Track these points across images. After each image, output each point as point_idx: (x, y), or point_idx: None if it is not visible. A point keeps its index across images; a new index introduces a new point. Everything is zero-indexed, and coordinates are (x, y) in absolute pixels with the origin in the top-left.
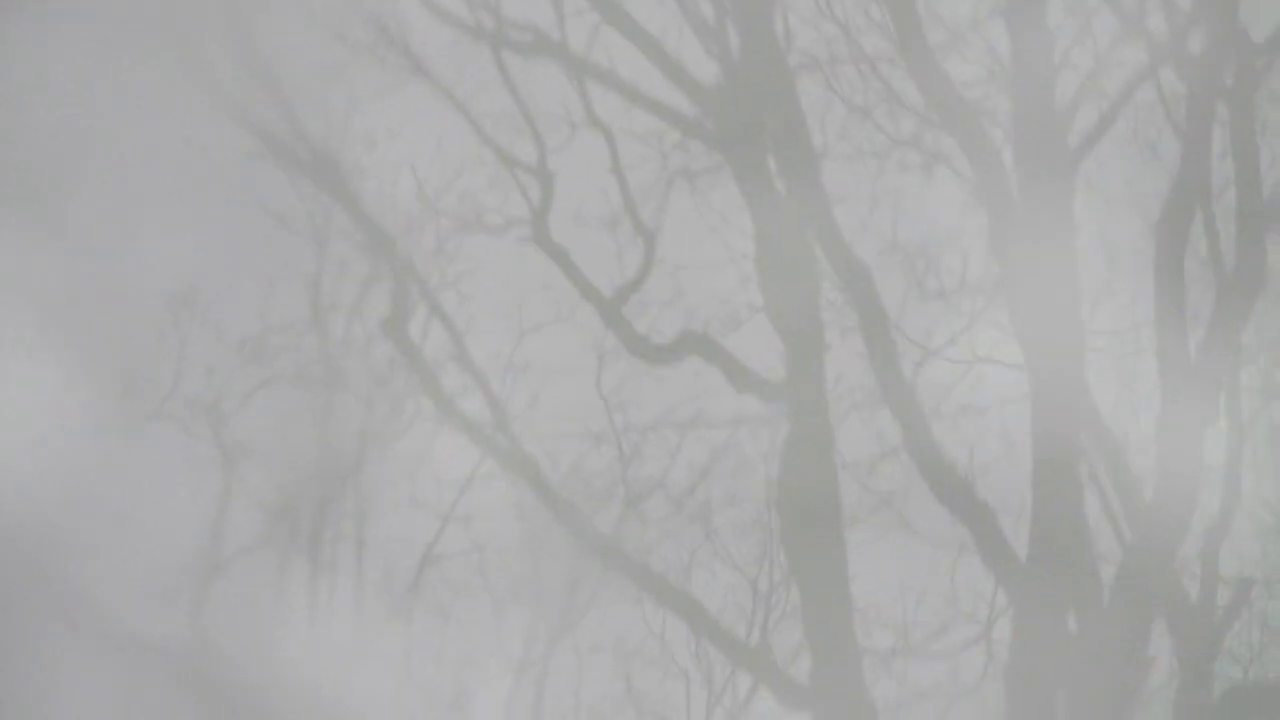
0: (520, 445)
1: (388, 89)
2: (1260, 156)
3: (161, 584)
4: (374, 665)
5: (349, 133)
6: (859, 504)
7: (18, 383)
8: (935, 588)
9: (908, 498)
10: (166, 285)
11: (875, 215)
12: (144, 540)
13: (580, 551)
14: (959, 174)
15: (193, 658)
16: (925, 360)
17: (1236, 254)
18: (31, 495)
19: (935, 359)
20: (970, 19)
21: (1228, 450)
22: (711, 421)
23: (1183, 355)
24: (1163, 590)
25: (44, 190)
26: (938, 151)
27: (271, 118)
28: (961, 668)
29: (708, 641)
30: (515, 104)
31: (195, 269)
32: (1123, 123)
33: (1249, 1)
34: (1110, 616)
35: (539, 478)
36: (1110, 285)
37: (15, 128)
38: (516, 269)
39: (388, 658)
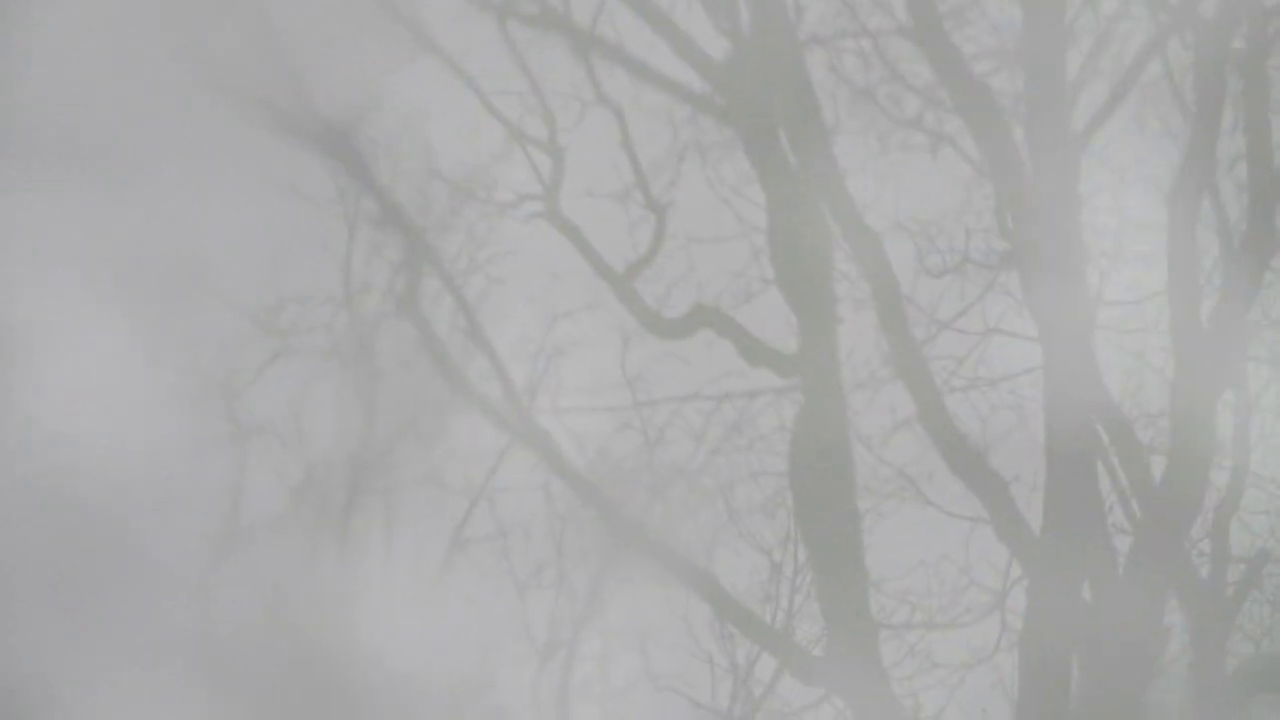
0: (539, 428)
1: (397, 66)
2: (1271, 123)
3: (183, 564)
4: (402, 647)
5: (365, 111)
6: (873, 476)
7: (44, 364)
8: (950, 559)
9: (922, 471)
10: (192, 263)
11: (883, 192)
12: (171, 517)
13: (606, 534)
14: (965, 155)
15: (213, 638)
16: (938, 332)
17: (1247, 224)
18: (58, 475)
19: (948, 331)
20: None
21: (1236, 424)
22: (735, 399)
23: (1195, 327)
24: (1178, 564)
25: (73, 170)
26: (942, 133)
27: (288, 97)
28: (976, 638)
29: (730, 623)
30: (525, 79)
31: (223, 248)
32: (1133, 100)
33: None
34: (1125, 586)
35: (560, 460)
36: (1122, 256)
37: (40, 104)
38: (546, 252)
39: (415, 639)
